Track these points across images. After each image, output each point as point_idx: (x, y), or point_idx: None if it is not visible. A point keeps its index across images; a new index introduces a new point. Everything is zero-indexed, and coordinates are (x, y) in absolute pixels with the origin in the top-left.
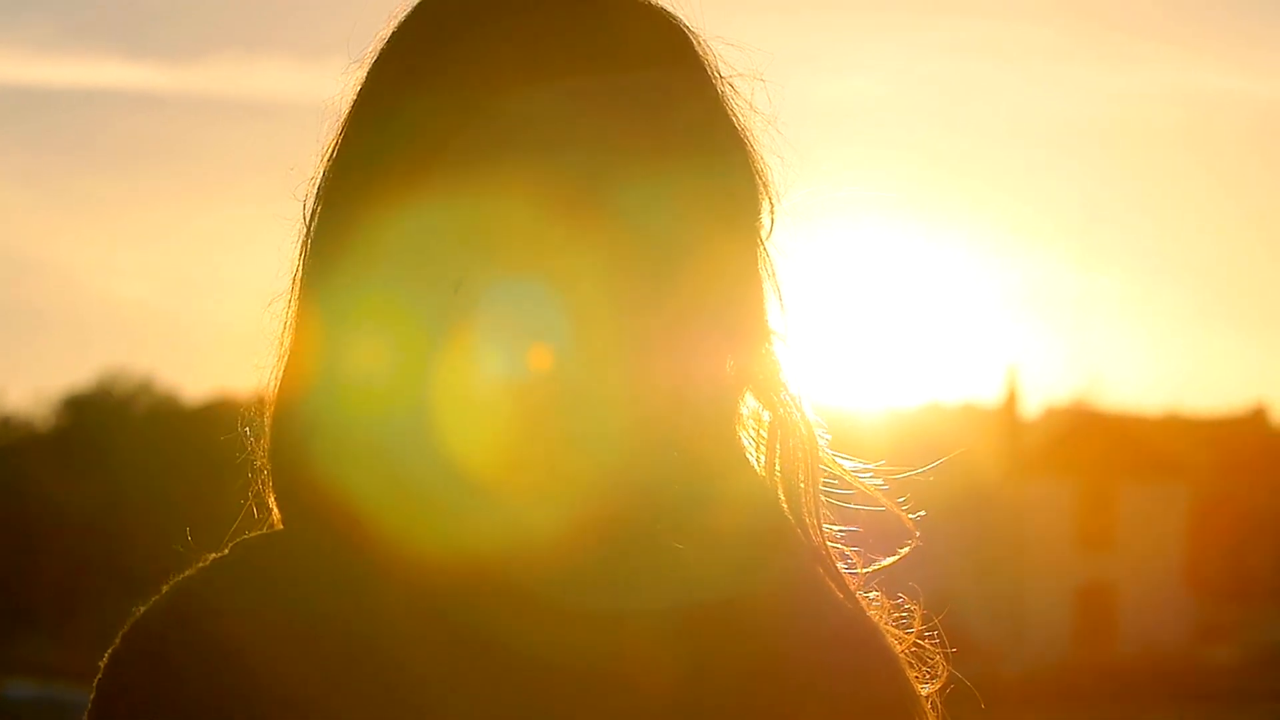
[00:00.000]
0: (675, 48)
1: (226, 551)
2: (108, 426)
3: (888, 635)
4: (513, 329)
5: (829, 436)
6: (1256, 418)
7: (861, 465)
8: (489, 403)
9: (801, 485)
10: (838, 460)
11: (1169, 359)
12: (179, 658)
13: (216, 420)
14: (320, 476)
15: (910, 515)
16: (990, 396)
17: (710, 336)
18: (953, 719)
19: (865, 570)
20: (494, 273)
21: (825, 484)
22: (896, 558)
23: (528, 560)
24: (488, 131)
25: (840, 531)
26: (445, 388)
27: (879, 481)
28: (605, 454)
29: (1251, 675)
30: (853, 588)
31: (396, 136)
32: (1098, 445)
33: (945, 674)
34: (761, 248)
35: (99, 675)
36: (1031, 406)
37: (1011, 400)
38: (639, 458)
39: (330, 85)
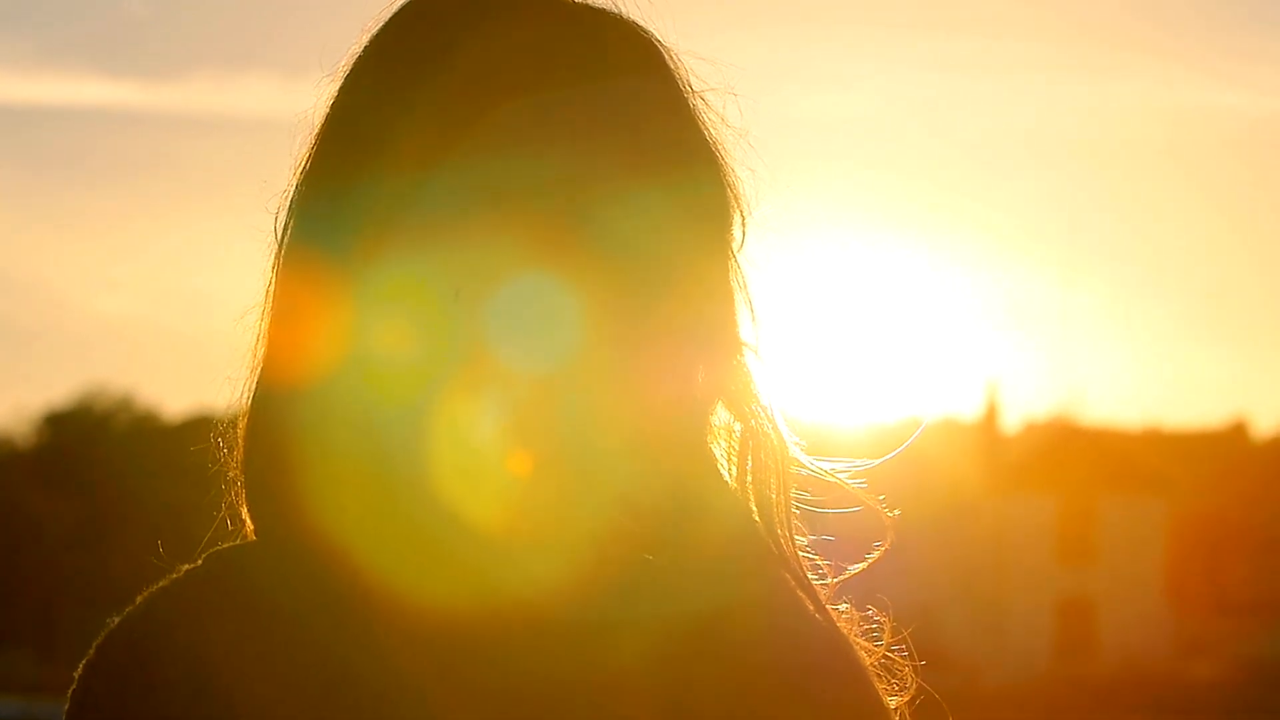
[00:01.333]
0: (648, 61)
1: (199, 563)
2: (88, 443)
3: (857, 647)
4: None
5: (802, 444)
6: (1237, 432)
7: (835, 465)
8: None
9: (773, 496)
10: (812, 462)
11: (1150, 373)
12: (152, 668)
13: (197, 436)
14: (301, 490)
15: (889, 513)
16: (971, 411)
17: (684, 349)
18: None
19: (838, 579)
20: (488, 289)
21: (799, 494)
22: (867, 563)
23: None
24: (464, 151)
25: (816, 540)
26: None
27: (858, 481)
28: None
29: (1232, 689)
30: (823, 599)
31: (370, 151)
32: (1078, 460)
33: (915, 685)
34: (733, 259)
35: (73, 686)
36: (1012, 421)
37: (992, 415)
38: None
39: (309, 102)
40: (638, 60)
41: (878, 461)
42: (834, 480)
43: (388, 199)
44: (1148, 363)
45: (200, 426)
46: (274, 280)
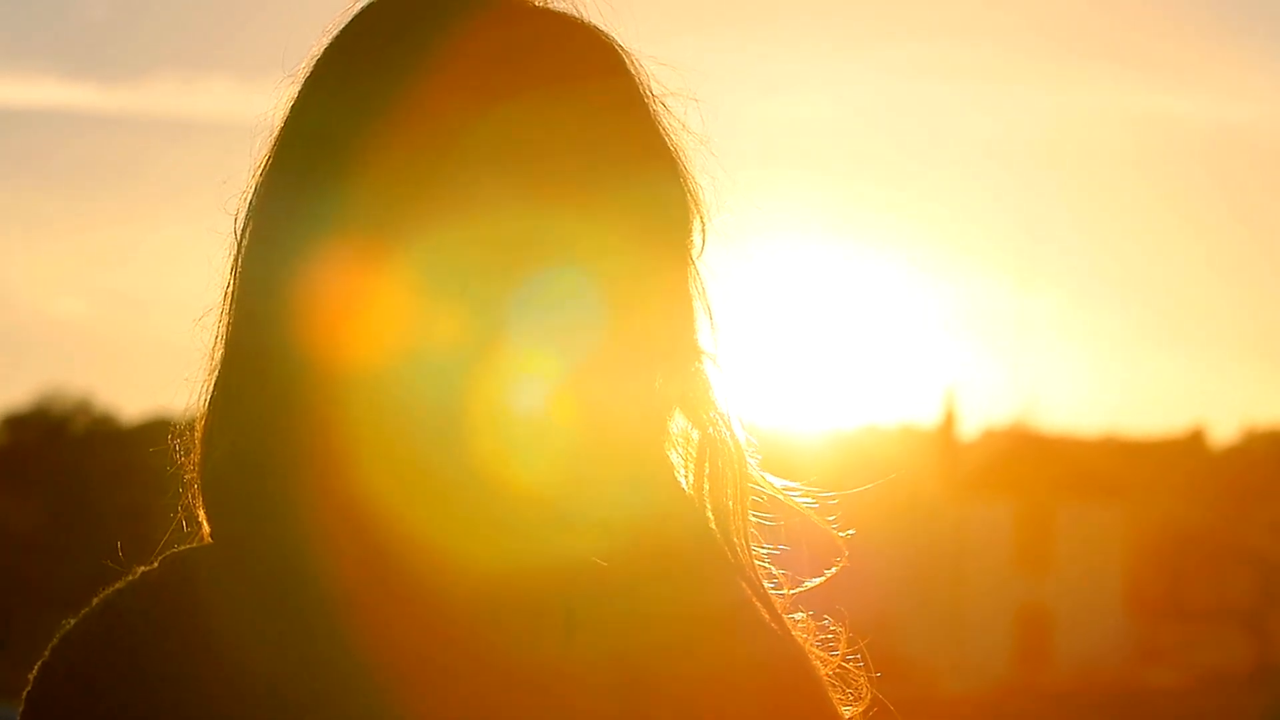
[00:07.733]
0: (608, 68)
1: (155, 565)
2: (45, 446)
3: (812, 657)
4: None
5: (759, 455)
6: (1194, 439)
7: (792, 484)
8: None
9: (730, 505)
10: (768, 479)
11: (1107, 380)
12: (106, 671)
13: (155, 440)
14: (262, 490)
15: (842, 534)
16: (928, 418)
17: (644, 356)
18: None
19: (794, 590)
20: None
21: (756, 505)
22: (824, 578)
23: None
24: (424, 155)
25: (775, 550)
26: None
27: (810, 500)
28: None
29: (1190, 697)
30: (779, 608)
31: (329, 153)
32: (1036, 467)
33: (870, 695)
34: (692, 266)
35: (28, 688)
36: (970, 428)
37: (949, 421)
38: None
39: (270, 104)
40: (599, 66)
41: (839, 494)
42: (785, 501)
43: (370, 206)
44: (1106, 370)
45: (158, 430)
46: (233, 281)
